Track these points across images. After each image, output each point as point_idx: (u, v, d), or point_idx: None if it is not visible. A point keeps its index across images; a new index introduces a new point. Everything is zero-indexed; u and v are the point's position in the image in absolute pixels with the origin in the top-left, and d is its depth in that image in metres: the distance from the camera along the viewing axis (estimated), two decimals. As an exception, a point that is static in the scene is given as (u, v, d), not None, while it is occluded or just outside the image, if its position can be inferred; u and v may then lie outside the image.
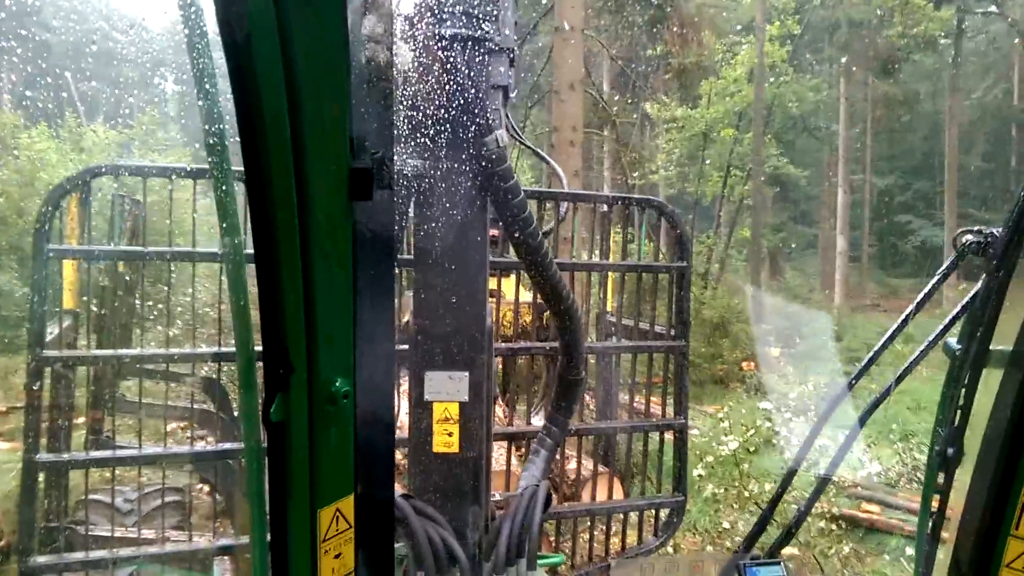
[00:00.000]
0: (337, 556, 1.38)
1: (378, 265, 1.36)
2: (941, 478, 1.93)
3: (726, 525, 7.42)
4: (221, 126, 1.15)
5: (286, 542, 1.31)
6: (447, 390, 2.50)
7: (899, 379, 2.31)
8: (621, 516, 4.81)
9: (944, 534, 2.02)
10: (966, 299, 1.85)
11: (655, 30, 20.68)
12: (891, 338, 2.28)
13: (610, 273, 5.32)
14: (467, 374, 2.53)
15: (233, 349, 3.68)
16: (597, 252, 4.98)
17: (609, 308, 5.84)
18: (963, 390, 1.83)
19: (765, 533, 3.06)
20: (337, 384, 1.29)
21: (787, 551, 7.94)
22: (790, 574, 2.34)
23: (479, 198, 2.49)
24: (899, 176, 40.82)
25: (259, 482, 1.29)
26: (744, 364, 16.23)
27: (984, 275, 1.78)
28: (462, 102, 2.30)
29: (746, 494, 7.61)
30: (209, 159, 1.16)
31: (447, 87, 2.26)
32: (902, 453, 10.85)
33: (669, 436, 4.86)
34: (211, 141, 1.14)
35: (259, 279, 1.18)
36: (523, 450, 5.60)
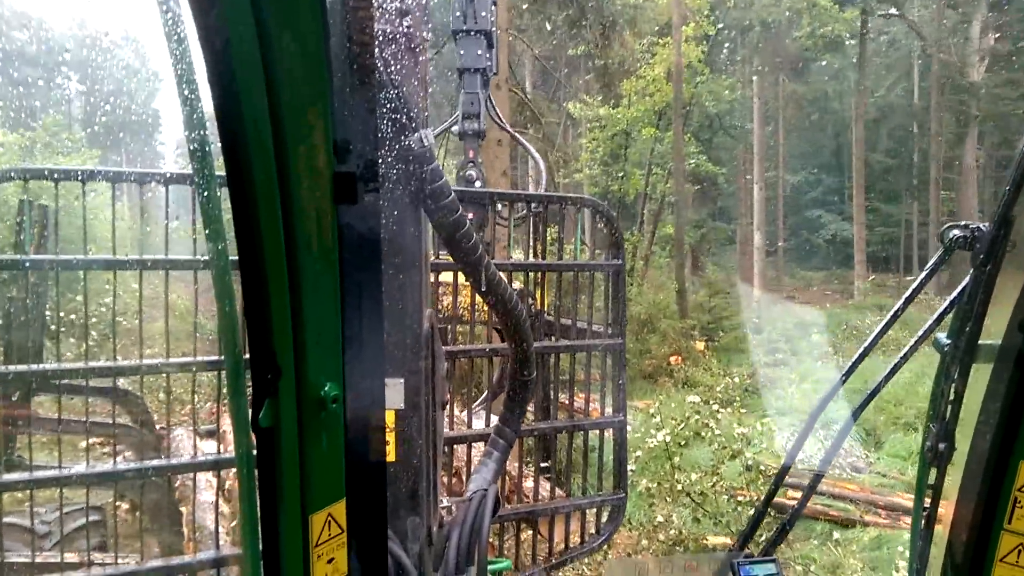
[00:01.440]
0: (330, 561, 1.38)
1: (365, 267, 1.37)
2: (933, 474, 1.95)
3: (660, 519, 7.53)
4: (203, 132, 1.13)
5: (278, 548, 1.31)
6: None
7: (890, 374, 2.32)
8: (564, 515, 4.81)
9: (937, 529, 2.05)
10: (954, 294, 1.85)
11: (576, 30, 20.88)
12: (880, 334, 2.29)
13: (546, 273, 5.32)
14: (402, 380, 2.45)
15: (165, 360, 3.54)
16: (531, 253, 4.96)
17: (545, 307, 5.85)
18: (953, 385, 1.84)
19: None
20: (326, 388, 1.29)
21: (719, 540, 8.13)
22: (784, 571, 2.34)
23: (412, 197, 2.41)
24: (810, 173, 42.47)
25: (250, 488, 1.27)
26: (672, 359, 16.54)
27: (971, 270, 1.79)
28: (387, 99, 2.19)
29: (679, 487, 7.74)
30: (191, 165, 1.15)
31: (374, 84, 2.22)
32: (824, 440, 11.23)
33: (609, 434, 4.88)
34: (193, 147, 1.12)
35: (244, 284, 1.18)
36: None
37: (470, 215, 4.61)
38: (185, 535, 5.89)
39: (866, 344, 2.35)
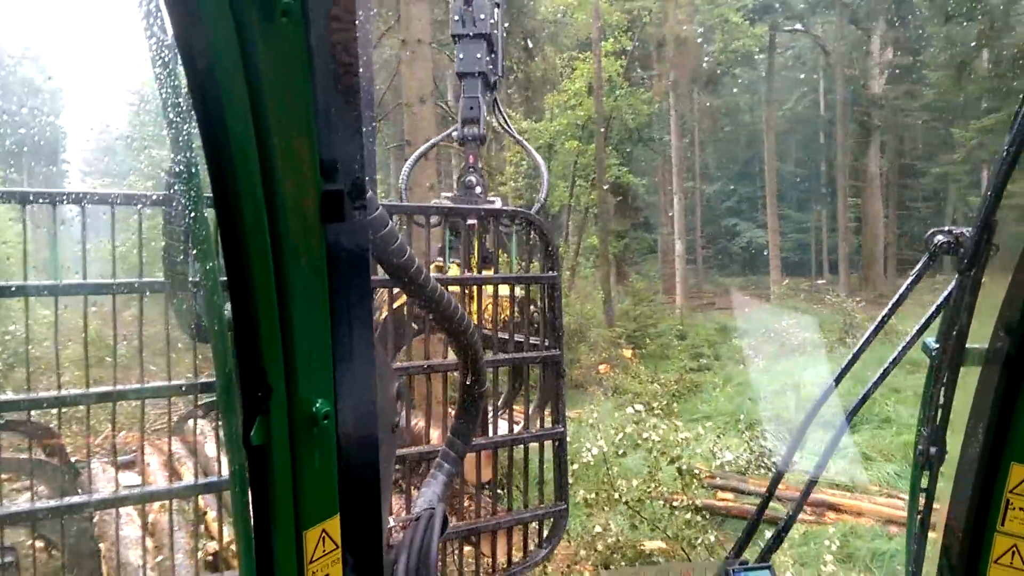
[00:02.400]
0: None
1: (354, 284, 1.36)
2: (925, 478, 1.97)
3: (598, 528, 7.59)
4: (189, 153, 1.15)
5: (272, 565, 1.31)
6: None
7: (881, 378, 2.33)
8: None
9: (931, 533, 2.08)
10: (941, 298, 1.87)
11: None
12: (869, 340, 2.32)
13: (482, 287, 5.30)
14: None
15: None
16: (467, 267, 4.95)
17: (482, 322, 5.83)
18: (943, 389, 1.87)
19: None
20: (318, 405, 1.28)
21: (653, 544, 8.25)
22: None
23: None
24: (725, 183, 43.86)
25: (243, 506, 1.27)
26: (600, 367, 16.74)
27: (957, 274, 1.81)
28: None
29: (616, 495, 7.82)
30: (178, 186, 1.16)
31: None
32: (749, 442, 11.55)
33: (548, 445, 4.89)
34: (179, 168, 1.14)
35: (233, 303, 1.19)
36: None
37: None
38: (104, 572, 5.64)
39: (855, 351, 2.36)
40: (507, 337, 5.23)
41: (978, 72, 23.80)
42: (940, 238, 1.90)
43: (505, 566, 4.79)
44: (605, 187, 21.89)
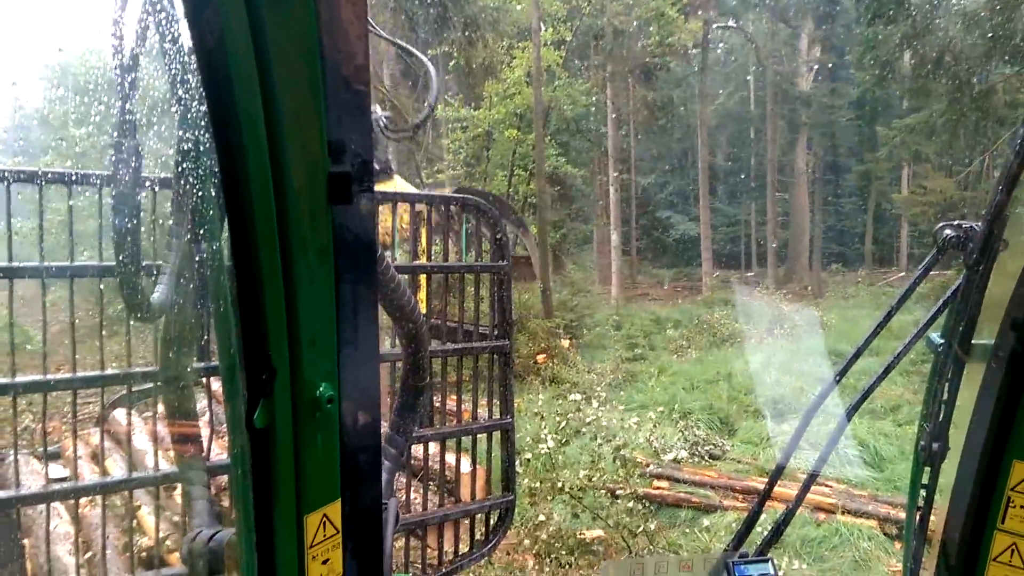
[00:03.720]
0: (325, 562, 1.38)
1: (360, 267, 1.35)
2: (926, 474, 1.96)
3: (542, 517, 7.60)
4: (196, 132, 1.13)
5: (273, 549, 1.31)
6: None
7: (885, 372, 2.30)
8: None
9: (931, 529, 2.07)
10: (947, 293, 1.86)
11: (438, 29, 20.80)
12: (874, 334, 2.30)
13: (429, 275, 5.22)
14: None
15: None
16: (412, 254, 4.87)
17: (424, 310, 5.73)
18: (947, 385, 1.86)
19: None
20: (321, 389, 1.28)
21: (593, 533, 8.32)
22: (779, 571, 2.36)
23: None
24: (659, 175, 44.52)
25: (244, 489, 1.27)
26: (539, 357, 16.80)
27: (964, 269, 1.80)
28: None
29: (559, 484, 7.85)
30: (184, 165, 1.15)
31: None
32: (683, 431, 11.75)
33: (496, 436, 4.87)
34: (186, 147, 1.12)
35: (238, 284, 1.18)
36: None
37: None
38: (29, 570, 5.39)
39: (859, 346, 2.33)
40: (456, 326, 5.17)
41: (901, 72, 24.68)
42: (949, 232, 1.86)
43: (452, 558, 4.75)
44: (543, 177, 21.91)
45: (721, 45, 42.07)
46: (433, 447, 5.46)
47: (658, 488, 10.19)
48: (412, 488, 5.42)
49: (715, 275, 32.86)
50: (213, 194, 1.18)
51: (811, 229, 36.41)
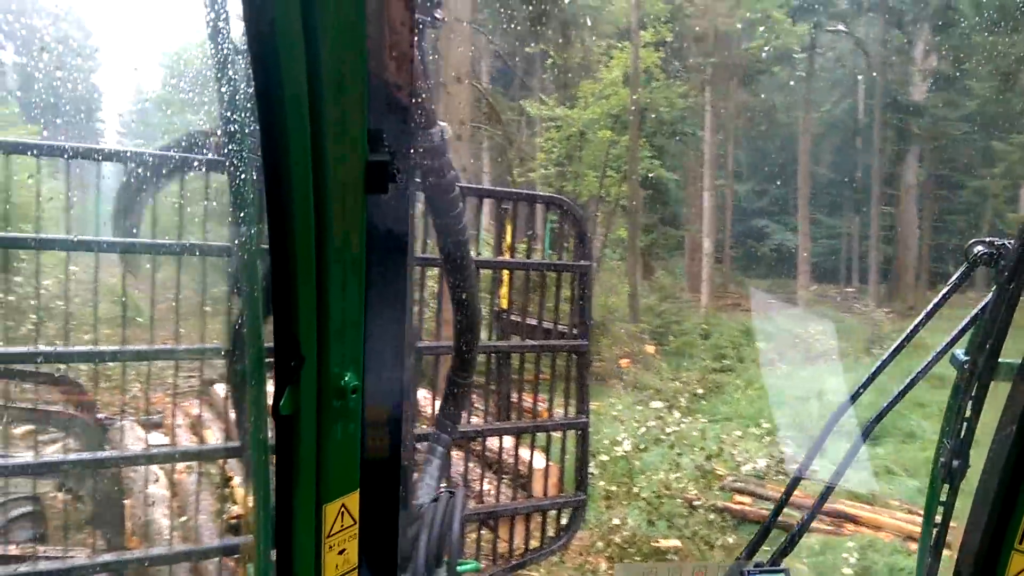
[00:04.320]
0: (341, 552, 1.37)
1: (391, 259, 1.36)
2: (944, 491, 1.94)
3: (616, 521, 7.51)
4: (241, 115, 1.14)
5: (291, 537, 1.30)
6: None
7: (905, 389, 2.25)
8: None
9: (946, 548, 2.06)
10: (975, 310, 1.82)
11: (537, 28, 20.87)
12: (898, 349, 2.29)
13: (511, 271, 5.24)
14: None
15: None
16: (496, 249, 4.92)
17: (506, 306, 5.75)
18: (970, 402, 1.83)
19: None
20: (347, 378, 1.27)
21: (669, 543, 8.16)
22: None
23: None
24: (757, 182, 43.32)
25: (265, 475, 1.29)
26: (622, 361, 16.62)
27: (994, 286, 1.77)
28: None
29: (636, 490, 7.73)
30: (227, 147, 1.15)
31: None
32: (769, 447, 11.39)
33: (571, 435, 4.87)
34: (231, 129, 1.13)
35: (273, 270, 1.18)
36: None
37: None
38: (128, 529, 5.71)
39: (884, 359, 2.34)
40: (535, 324, 5.16)
41: (1022, 85, 23.22)
42: (980, 248, 1.83)
43: (522, 552, 4.77)
44: (636, 180, 21.65)
45: (831, 52, 40.54)
46: (508, 441, 5.48)
47: (739, 503, 9.92)
48: (485, 480, 5.43)
49: (812, 288, 31.72)
50: (254, 178, 1.19)
51: (918, 246, 34.66)
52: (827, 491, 2.47)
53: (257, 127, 1.11)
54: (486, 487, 5.35)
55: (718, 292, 32.23)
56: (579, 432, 4.84)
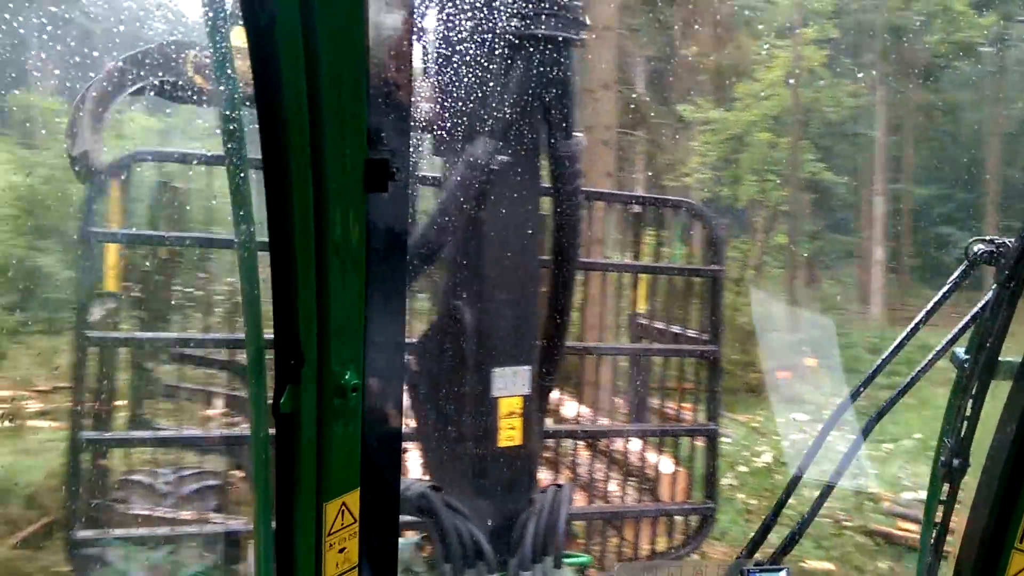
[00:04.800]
0: (342, 550, 1.38)
1: (390, 258, 1.36)
2: (946, 489, 1.94)
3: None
4: (240, 112, 1.15)
5: (291, 534, 1.31)
6: (512, 385, 2.54)
7: (905, 389, 2.30)
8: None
9: (947, 547, 2.04)
10: (975, 309, 1.81)
11: (691, 30, 20.49)
12: (899, 348, 2.29)
13: (642, 275, 5.19)
14: (529, 368, 2.59)
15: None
16: (629, 253, 4.92)
17: (641, 310, 5.71)
18: (970, 401, 1.83)
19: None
20: (347, 377, 1.28)
21: (817, 564, 7.71)
22: None
23: (539, 198, 2.51)
24: (940, 186, 40.00)
25: (265, 473, 1.29)
26: (780, 374, 15.92)
27: (994, 285, 1.76)
28: (541, 102, 2.37)
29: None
30: (226, 145, 1.15)
31: (528, 86, 2.35)
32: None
33: (700, 442, 4.78)
34: (230, 127, 1.13)
35: (273, 268, 1.18)
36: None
37: None
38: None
39: (884, 357, 2.35)
40: (665, 328, 5.09)
41: None
42: (980, 247, 1.83)
43: (648, 555, 4.71)
44: (798, 183, 20.67)
45: (1021, 43, 36.79)
46: (636, 444, 5.42)
47: (903, 529, 9.25)
48: (613, 480, 5.41)
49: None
50: (253, 176, 1.20)
51: None
52: (827, 490, 2.47)
53: (257, 126, 1.12)
54: (613, 487, 5.32)
55: (892, 304, 30.06)
56: (709, 438, 4.73)
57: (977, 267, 1.89)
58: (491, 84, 2.37)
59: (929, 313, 2.25)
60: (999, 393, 1.62)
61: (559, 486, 2.62)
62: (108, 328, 4.79)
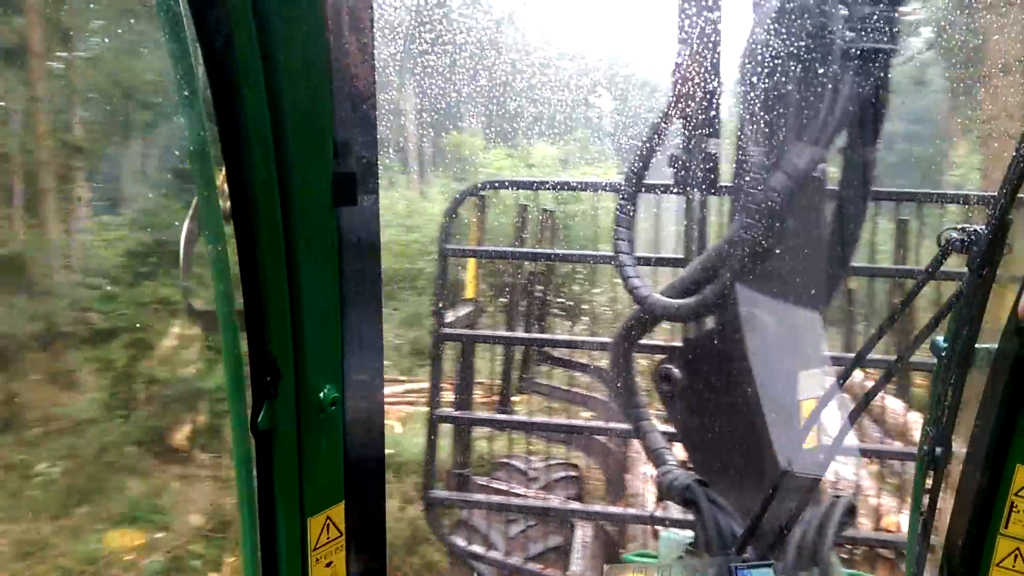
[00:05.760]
0: (328, 564, 1.39)
1: (364, 270, 1.36)
2: (930, 478, 1.92)
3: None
4: (203, 132, 1.11)
5: (276, 551, 1.31)
6: (810, 388, 2.57)
7: (887, 376, 2.23)
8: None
9: (933, 534, 2.01)
10: (950, 297, 1.81)
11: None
12: (878, 337, 2.20)
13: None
14: (821, 370, 2.60)
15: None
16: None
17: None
18: (950, 389, 1.83)
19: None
20: (325, 391, 1.29)
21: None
22: None
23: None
24: None
25: (248, 490, 1.27)
26: None
27: (968, 273, 1.76)
28: (861, 111, 2.39)
29: None
30: (192, 166, 1.13)
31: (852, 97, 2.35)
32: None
33: None
34: (193, 148, 1.11)
35: (244, 286, 1.19)
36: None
37: None
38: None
39: (860, 349, 2.22)
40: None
41: None
42: (953, 235, 1.78)
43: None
44: None
45: None
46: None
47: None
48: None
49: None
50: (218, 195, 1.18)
51: None
52: (814, 483, 2.36)
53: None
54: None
55: None
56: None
57: (948, 256, 1.84)
58: (812, 94, 2.37)
59: (905, 303, 2.17)
60: (980, 381, 1.67)
61: (838, 498, 2.52)
62: (466, 328, 5.65)
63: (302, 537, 1.32)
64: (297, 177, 1.16)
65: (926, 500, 1.95)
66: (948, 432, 1.82)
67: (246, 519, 1.28)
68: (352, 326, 1.33)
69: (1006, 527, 1.53)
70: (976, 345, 1.74)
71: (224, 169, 1.13)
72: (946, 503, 1.78)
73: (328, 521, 1.36)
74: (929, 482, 1.86)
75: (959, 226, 1.76)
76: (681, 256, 3.91)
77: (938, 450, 1.82)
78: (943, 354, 1.83)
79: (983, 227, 1.70)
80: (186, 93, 1.08)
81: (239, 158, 1.11)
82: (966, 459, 1.67)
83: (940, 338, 1.85)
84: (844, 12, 2.32)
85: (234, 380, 1.21)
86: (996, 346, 1.60)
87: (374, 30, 1.27)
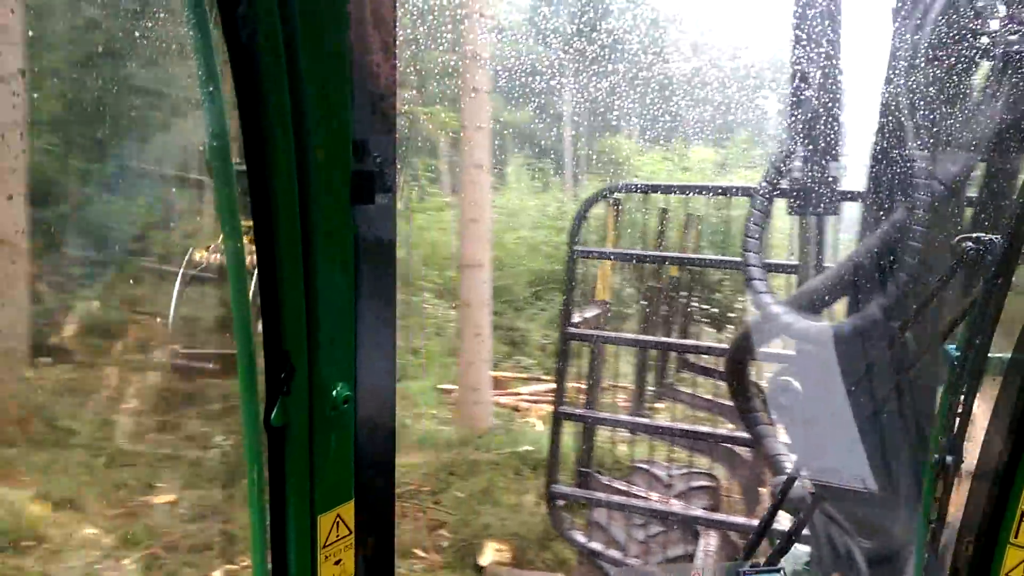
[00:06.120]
0: (337, 562, 1.39)
1: (379, 269, 1.36)
2: (940, 486, 1.92)
3: None
4: (224, 127, 1.12)
5: (286, 548, 1.32)
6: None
7: (897, 386, 2.25)
8: None
9: (943, 543, 1.99)
10: (964, 305, 1.79)
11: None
12: (891, 344, 2.08)
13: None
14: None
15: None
16: None
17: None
18: (962, 398, 1.82)
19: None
20: (338, 389, 1.29)
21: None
22: None
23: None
24: None
25: (259, 487, 1.27)
26: None
27: (982, 281, 1.76)
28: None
29: None
30: (211, 162, 1.13)
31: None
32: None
33: None
34: (214, 143, 1.11)
35: (260, 281, 1.19)
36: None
37: None
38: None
39: (869, 361, 2.28)
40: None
41: None
42: (968, 244, 1.79)
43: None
44: None
45: None
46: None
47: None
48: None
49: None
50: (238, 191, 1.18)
51: None
52: (823, 490, 2.40)
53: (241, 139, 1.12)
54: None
55: None
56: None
57: (963, 264, 1.84)
58: (971, 99, 2.35)
59: (918, 311, 2.17)
60: (991, 389, 1.66)
61: None
62: (595, 328, 5.75)
63: (312, 534, 1.33)
64: (316, 174, 1.18)
65: (936, 509, 1.94)
66: (959, 441, 1.81)
67: (256, 515, 1.28)
68: (366, 324, 1.34)
69: (1016, 537, 1.51)
70: (989, 354, 1.73)
71: (244, 164, 1.15)
72: (956, 512, 1.77)
73: (338, 519, 1.37)
74: (938, 491, 1.86)
75: (975, 235, 1.75)
76: (796, 263, 3.77)
77: (948, 459, 1.81)
78: (955, 362, 1.82)
79: (999, 236, 1.69)
80: (209, 89, 1.09)
81: (260, 154, 1.12)
82: (977, 468, 1.65)
83: (952, 346, 1.85)
84: (1002, 13, 2.26)
85: (247, 375, 1.22)
86: (1009, 356, 1.58)
87: (396, 29, 1.28)
